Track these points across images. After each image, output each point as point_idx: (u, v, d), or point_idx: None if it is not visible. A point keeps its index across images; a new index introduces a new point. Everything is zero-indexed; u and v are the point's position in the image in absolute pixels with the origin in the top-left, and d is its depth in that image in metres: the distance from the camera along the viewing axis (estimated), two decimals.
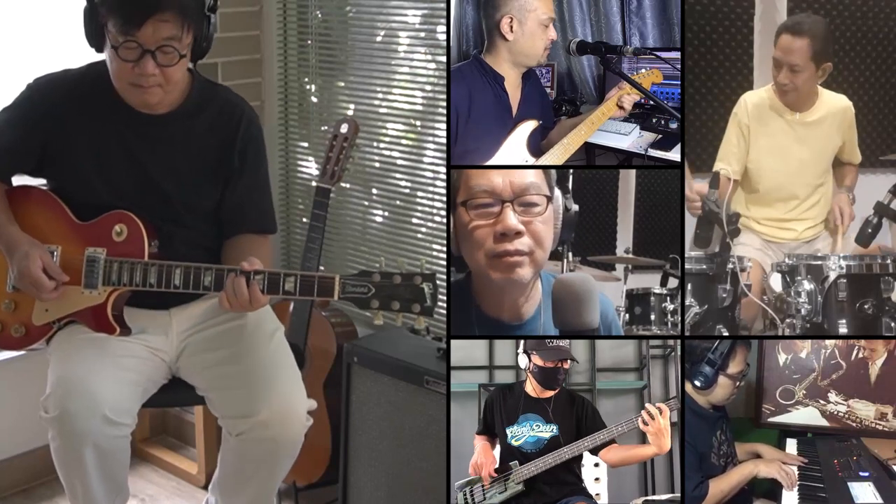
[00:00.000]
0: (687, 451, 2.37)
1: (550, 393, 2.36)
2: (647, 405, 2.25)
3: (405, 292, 2.17)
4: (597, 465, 2.75)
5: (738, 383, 2.43)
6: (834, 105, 2.94)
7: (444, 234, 3.19)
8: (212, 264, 2.30)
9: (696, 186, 2.70)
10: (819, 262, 2.63)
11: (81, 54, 2.42)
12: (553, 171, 1.97)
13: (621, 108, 2.45)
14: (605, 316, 2.04)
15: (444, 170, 3.17)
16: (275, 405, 2.36)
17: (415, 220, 3.37)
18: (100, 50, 2.33)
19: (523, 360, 2.35)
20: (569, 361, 2.34)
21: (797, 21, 2.86)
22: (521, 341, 2.36)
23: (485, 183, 1.88)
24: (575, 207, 2.04)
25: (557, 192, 1.95)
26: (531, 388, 2.36)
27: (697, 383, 2.38)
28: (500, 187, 1.88)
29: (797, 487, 2.33)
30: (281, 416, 2.37)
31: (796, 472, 2.39)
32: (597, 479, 2.70)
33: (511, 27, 2.38)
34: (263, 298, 2.26)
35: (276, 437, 2.38)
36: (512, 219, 1.86)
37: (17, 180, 2.52)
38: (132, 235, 2.37)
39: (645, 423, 2.23)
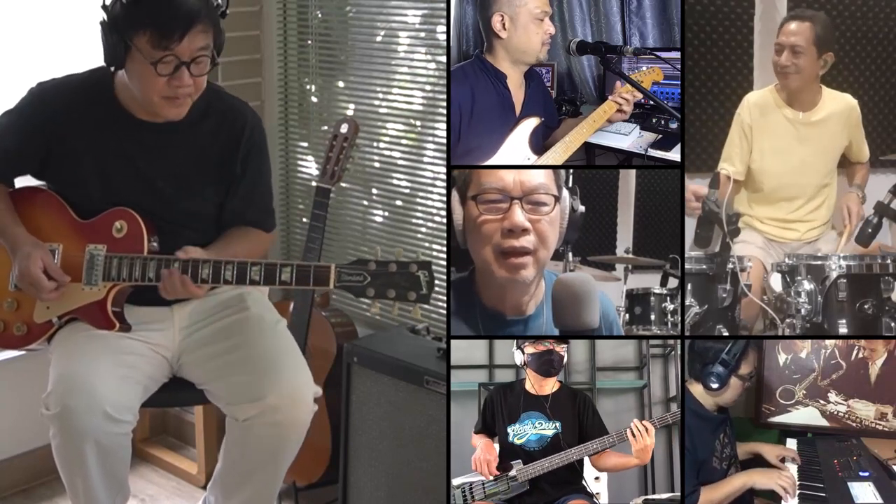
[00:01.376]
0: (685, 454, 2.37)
1: (551, 389, 2.36)
2: (634, 422, 2.28)
3: (401, 280, 2.18)
4: None
5: (746, 384, 2.44)
6: (838, 104, 2.94)
7: (444, 234, 3.19)
8: (209, 258, 2.30)
9: (691, 188, 2.70)
10: (819, 262, 2.63)
11: (84, 59, 2.42)
12: (562, 171, 1.99)
13: (621, 110, 2.45)
14: (605, 315, 2.05)
15: (444, 170, 3.17)
16: (283, 389, 2.36)
17: (415, 220, 3.37)
18: (119, 68, 2.30)
19: (518, 357, 2.36)
20: (563, 346, 2.34)
21: (800, 11, 2.90)
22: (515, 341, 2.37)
23: (496, 180, 1.91)
24: (581, 208, 2.05)
25: (565, 193, 1.97)
26: (531, 385, 2.37)
27: (713, 385, 2.37)
28: (510, 185, 1.90)
29: (797, 487, 2.33)
30: (289, 400, 2.37)
31: (796, 478, 2.38)
32: (597, 478, 2.69)
33: (503, 24, 2.37)
34: (200, 290, 2.29)
35: (284, 421, 2.38)
36: (520, 216, 1.89)
37: (20, 181, 2.53)
38: (132, 232, 2.37)
39: (633, 436, 2.26)
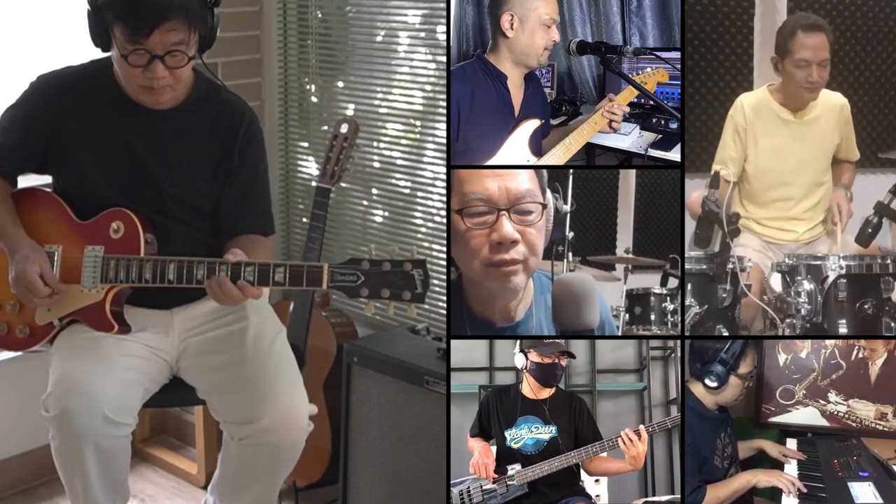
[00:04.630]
0: (686, 454, 2.37)
1: (547, 393, 2.36)
2: (626, 431, 2.28)
3: (395, 279, 2.15)
4: None
5: (746, 383, 2.44)
6: (829, 102, 2.94)
7: (444, 234, 3.19)
8: (204, 258, 2.30)
9: (693, 197, 2.70)
10: (819, 262, 2.63)
11: (84, 51, 2.43)
12: (545, 174, 1.95)
13: (611, 126, 2.46)
14: (603, 317, 2.04)
15: (444, 170, 3.17)
16: (277, 411, 2.36)
17: (415, 220, 3.37)
18: (106, 50, 2.34)
19: (520, 360, 2.35)
20: (566, 358, 2.34)
21: (811, 18, 2.87)
22: (518, 342, 2.36)
23: (480, 190, 1.86)
24: (566, 208, 2.03)
25: (549, 196, 1.94)
26: (528, 389, 2.36)
27: (711, 383, 2.38)
28: (495, 195, 1.86)
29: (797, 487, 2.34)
30: (283, 421, 2.37)
31: (797, 477, 2.39)
32: (597, 480, 2.70)
33: (511, 24, 2.38)
34: (255, 290, 2.25)
35: (278, 442, 2.38)
36: (508, 227, 1.85)
37: (21, 181, 2.53)
38: (128, 232, 2.38)
39: (625, 444, 2.26)
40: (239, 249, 2.29)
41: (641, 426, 2.30)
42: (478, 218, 1.86)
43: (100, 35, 2.30)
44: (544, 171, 1.96)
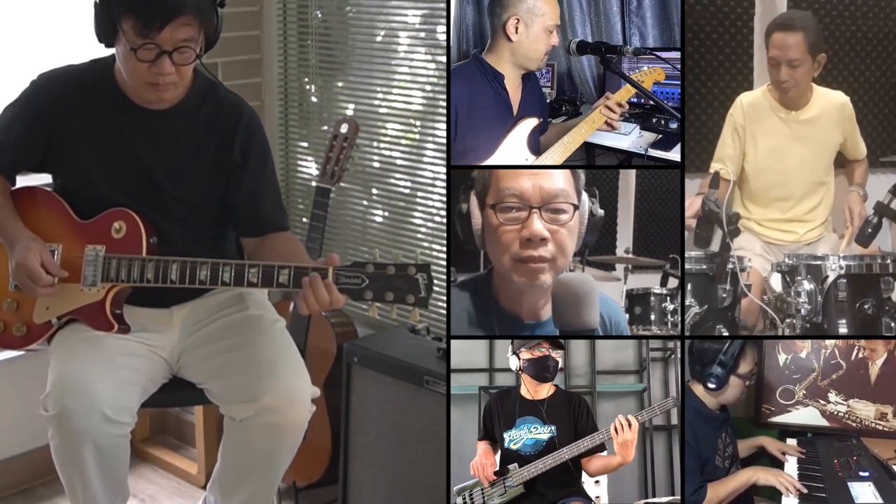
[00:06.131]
0: (688, 454, 2.37)
1: (545, 393, 2.36)
2: (619, 416, 2.27)
3: (399, 283, 2.16)
4: None
5: (747, 382, 2.45)
6: (829, 101, 2.94)
7: (445, 234, 3.19)
8: (207, 259, 2.30)
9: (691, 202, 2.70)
10: (819, 262, 2.63)
11: (85, 50, 2.44)
12: (582, 177, 1.99)
13: (609, 125, 2.46)
14: (612, 318, 2.06)
15: (444, 170, 3.17)
16: (280, 390, 2.36)
17: (415, 220, 3.37)
18: (109, 46, 2.34)
19: (514, 362, 2.35)
20: (559, 352, 2.34)
21: (788, 17, 2.88)
22: (510, 345, 2.36)
23: (515, 187, 1.91)
24: (601, 212, 2.05)
25: (584, 197, 1.97)
26: (526, 390, 2.36)
27: (711, 385, 2.39)
28: (529, 192, 1.91)
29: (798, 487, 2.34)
30: (286, 400, 2.36)
31: (797, 474, 2.39)
32: (596, 481, 2.69)
33: (517, 29, 2.39)
34: (342, 298, 2.20)
35: (281, 422, 2.37)
36: (538, 225, 1.89)
37: (21, 180, 2.53)
38: (131, 232, 2.38)
39: (616, 432, 2.25)
40: (335, 255, 2.23)
41: (631, 415, 2.29)
42: (510, 214, 1.91)
43: (106, 29, 2.30)
44: (581, 173, 1.99)
